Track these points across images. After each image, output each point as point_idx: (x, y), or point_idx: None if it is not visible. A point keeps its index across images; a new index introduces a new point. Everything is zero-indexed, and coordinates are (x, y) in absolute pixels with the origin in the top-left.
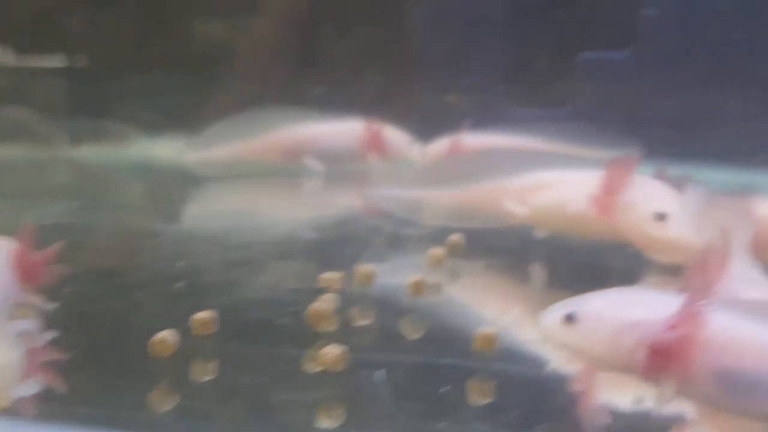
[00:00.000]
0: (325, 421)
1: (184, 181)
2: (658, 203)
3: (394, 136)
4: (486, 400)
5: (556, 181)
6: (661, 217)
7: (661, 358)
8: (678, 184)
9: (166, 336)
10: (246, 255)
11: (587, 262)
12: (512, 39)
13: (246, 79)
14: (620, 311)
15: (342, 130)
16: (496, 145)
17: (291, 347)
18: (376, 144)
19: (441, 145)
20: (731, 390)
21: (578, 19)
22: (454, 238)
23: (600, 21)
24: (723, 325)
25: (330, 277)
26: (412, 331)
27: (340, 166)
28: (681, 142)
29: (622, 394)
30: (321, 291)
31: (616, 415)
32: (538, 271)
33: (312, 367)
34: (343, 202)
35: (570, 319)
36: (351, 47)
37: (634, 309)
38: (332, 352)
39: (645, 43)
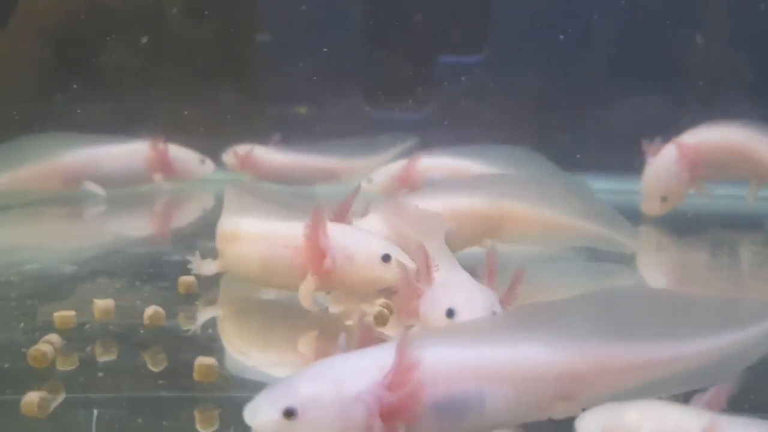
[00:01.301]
0: None
1: None
2: (378, 246)
3: (181, 154)
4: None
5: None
6: (386, 258)
7: (395, 418)
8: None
9: None
10: None
11: None
12: (368, 43)
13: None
14: (338, 389)
15: (124, 152)
16: (286, 161)
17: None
18: (162, 164)
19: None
20: (450, 418)
21: (435, 24)
22: None
23: (455, 25)
24: (430, 360)
25: (64, 314)
26: (150, 365)
27: (125, 188)
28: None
29: None
30: (55, 329)
31: None
32: None
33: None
34: (120, 229)
35: (290, 414)
36: (138, 61)
37: (350, 381)
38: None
39: (498, 47)
